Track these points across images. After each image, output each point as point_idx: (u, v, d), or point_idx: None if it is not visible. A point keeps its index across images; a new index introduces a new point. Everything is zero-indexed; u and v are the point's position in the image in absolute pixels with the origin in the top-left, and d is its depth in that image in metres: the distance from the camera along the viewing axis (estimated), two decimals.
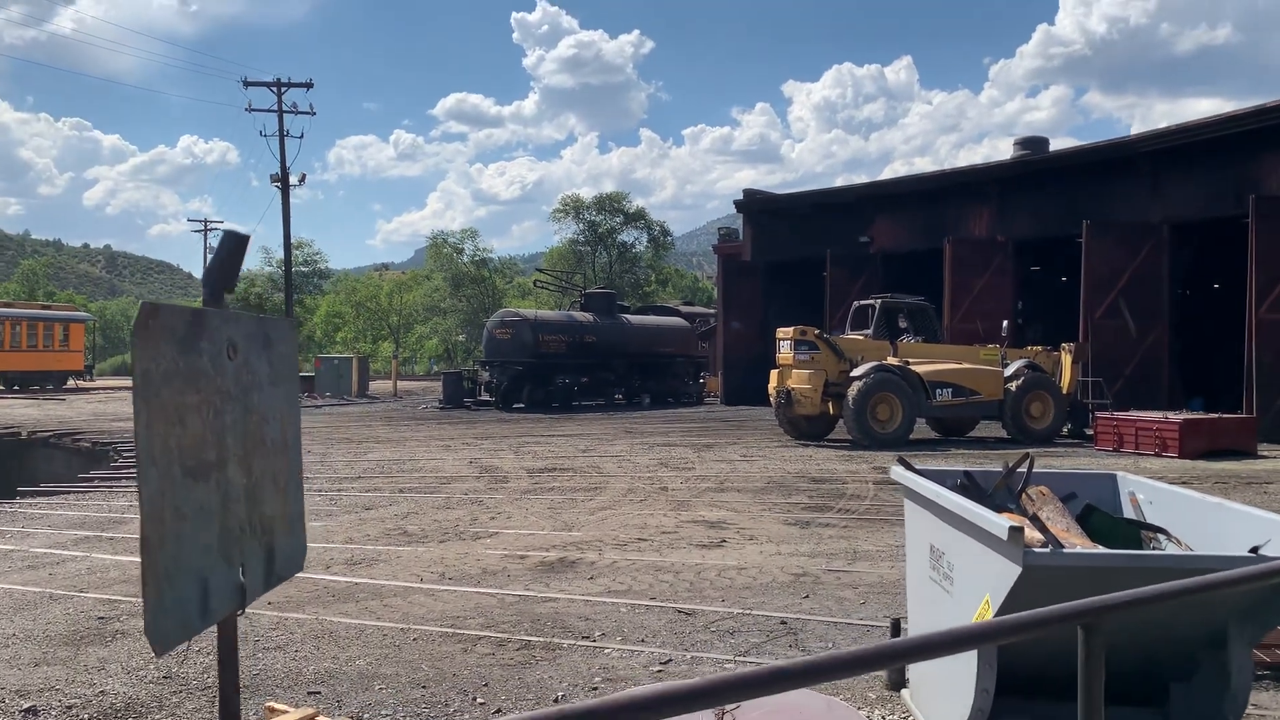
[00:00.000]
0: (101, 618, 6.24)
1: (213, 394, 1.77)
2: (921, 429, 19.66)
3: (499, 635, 5.85)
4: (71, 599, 6.74)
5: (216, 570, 1.74)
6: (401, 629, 5.98)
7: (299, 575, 7.38)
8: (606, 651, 5.55)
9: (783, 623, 6.11)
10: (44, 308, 46.20)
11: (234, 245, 1.97)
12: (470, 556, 8.14)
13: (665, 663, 5.36)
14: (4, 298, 65.59)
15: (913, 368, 18.58)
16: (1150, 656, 3.53)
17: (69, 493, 12.63)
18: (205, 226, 76.75)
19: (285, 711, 4.21)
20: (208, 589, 1.71)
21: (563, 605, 6.54)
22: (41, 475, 16.93)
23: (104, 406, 29.85)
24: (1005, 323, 20.07)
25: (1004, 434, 19.13)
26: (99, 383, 47.71)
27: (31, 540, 9.13)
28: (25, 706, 4.66)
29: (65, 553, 8.42)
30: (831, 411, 18.81)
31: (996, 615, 3.43)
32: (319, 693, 4.89)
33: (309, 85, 42.32)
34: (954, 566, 3.88)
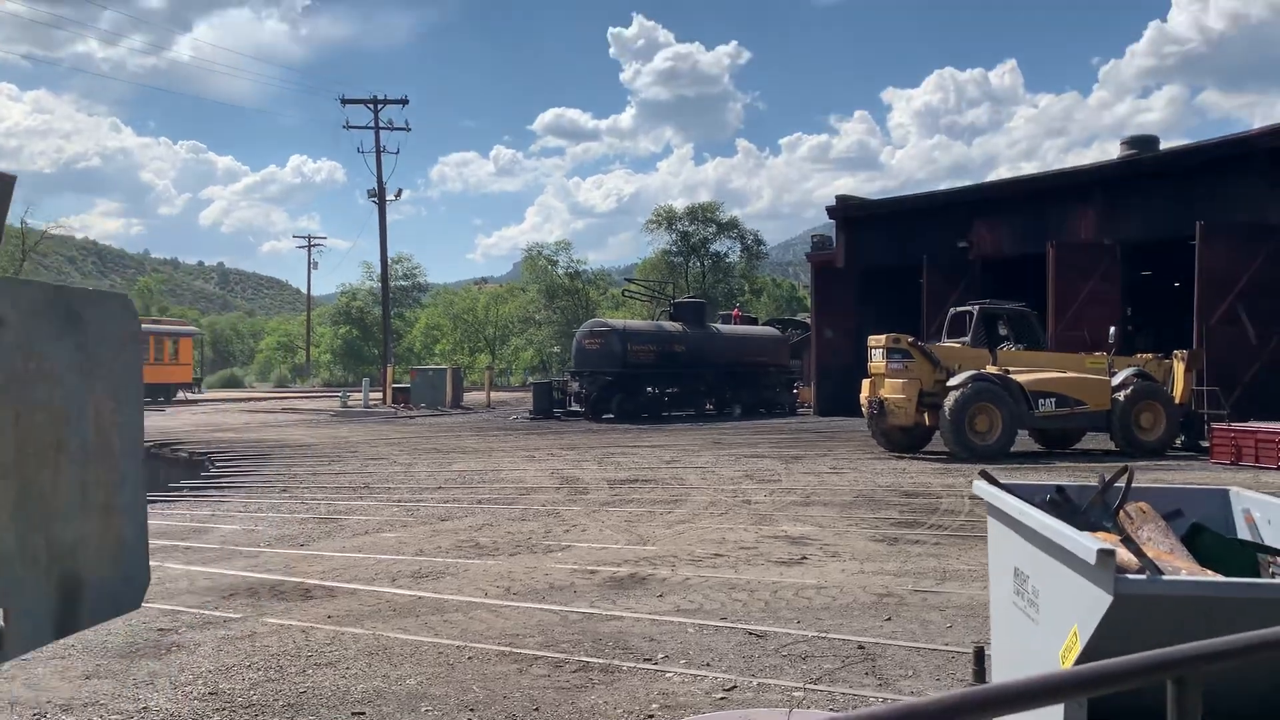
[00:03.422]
0: (161, 629, 6.17)
1: None
2: (1024, 441, 18.83)
3: (557, 655, 5.57)
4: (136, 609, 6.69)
5: None
6: (458, 646, 5.75)
7: (363, 588, 7.29)
8: (668, 675, 5.22)
9: (860, 647, 5.69)
10: (155, 323, 47.95)
11: None
12: (539, 570, 7.89)
13: (729, 689, 5.01)
14: None
15: (1013, 376, 17.80)
16: (1269, 702, 3.06)
17: (156, 502, 12.83)
18: (309, 242, 79.15)
19: None
20: None
21: (628, 624, 6.23)
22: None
23: (207, 418, 30.72)
24: (1112, 329, 19.09)
25: (1113, 446, 18.17)
26: (207, 395, 49.33)
27: None
28: None
29: None
30: (927, 422, 18.14)
31: (1085, 649, 3.01)
32: (363, 714, 4.67)
33: (404, 101, 43.17)
34: (1039, 592, 3.46)
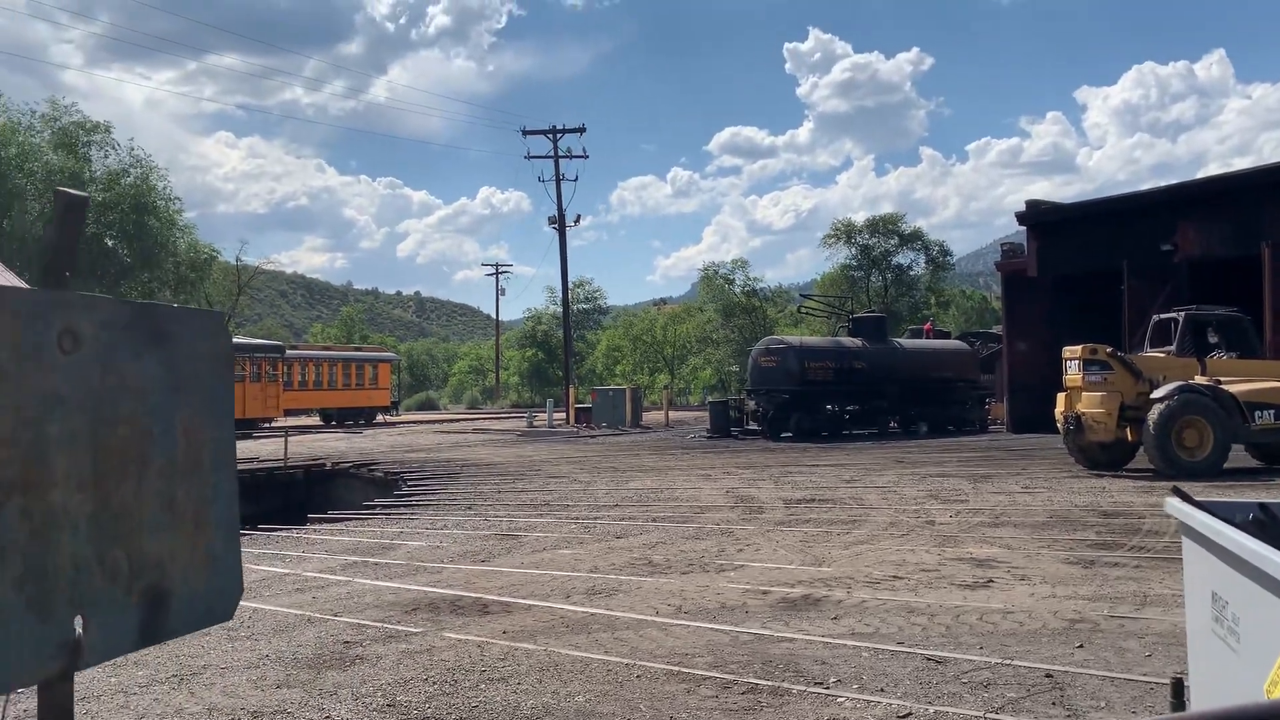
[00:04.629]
0: (347, 642, 6.44)
1: (22, 397, 1.35)
2: (1240, 457, 17.41)
3: (726, 677, 5.49)
4: (325, 622, 7.03)
5: (13, 623, 1.38)
6: (627, 664, 5.75)
7: (538, 604, 7.41)
8: (839, 701, 5.05)
9: (1048, 676, 5.35)
10: (356, 349, 50.74)
11: (66, 209, 1.59)
12: (710, 590, 7.83)
13: (904, 716, 4.80)
14: (326, 341, 72.78)
15: (1225, 387, 16.50)
16: None
17: (351, 520, 13.51)
18: (497, 270, 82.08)
19: None
20: None
21: (799, 646, 6.08)
22: (340, 503, 18.33)
23: (403, 439, 32.19)
24: None
25: None
26: (404, 417, 51.75)
27: (306, 565, 9.74)
28: None
29: (332, 577, 8.90)
30: (1130, 438, 17.03)
31: None
32: None
33: (581, 130, 44.28)
34: (1239, 619, 3.14)
